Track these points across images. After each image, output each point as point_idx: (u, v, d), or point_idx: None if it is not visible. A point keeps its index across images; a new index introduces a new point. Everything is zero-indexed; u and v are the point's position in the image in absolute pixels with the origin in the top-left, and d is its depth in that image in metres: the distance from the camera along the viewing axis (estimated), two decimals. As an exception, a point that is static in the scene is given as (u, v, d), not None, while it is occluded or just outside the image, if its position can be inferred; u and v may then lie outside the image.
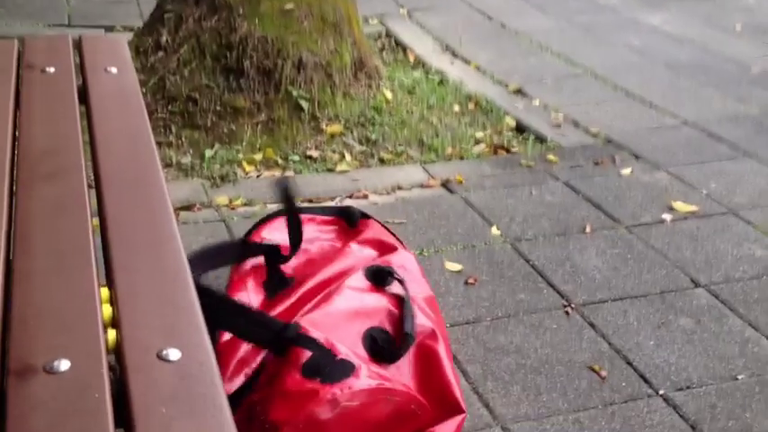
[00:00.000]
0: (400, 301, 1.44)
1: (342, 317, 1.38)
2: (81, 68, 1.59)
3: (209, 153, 2.69)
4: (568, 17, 4.21)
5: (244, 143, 2.77)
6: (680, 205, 2.38)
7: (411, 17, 4.22)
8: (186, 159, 2.65)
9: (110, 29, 3.73)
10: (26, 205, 1.11)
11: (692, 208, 2.36)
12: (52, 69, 1.56)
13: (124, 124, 1.42)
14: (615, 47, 3.79)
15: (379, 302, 1.43)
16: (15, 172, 1.20)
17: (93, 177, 1.20)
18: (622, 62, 3.60)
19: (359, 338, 1.35)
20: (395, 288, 1.47)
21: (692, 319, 1.86)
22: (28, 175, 1.20)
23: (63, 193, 1.16)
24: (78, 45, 1.73)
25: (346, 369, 1.27)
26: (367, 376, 1.27)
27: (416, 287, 1.50)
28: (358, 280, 1.46)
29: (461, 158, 2.76)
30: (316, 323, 1.34)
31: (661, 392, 1.62)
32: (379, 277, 1.47)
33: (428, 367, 1.38)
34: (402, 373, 1.36)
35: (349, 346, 1.32)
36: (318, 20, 2.99)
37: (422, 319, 1.42)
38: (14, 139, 1.29)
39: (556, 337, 1.77)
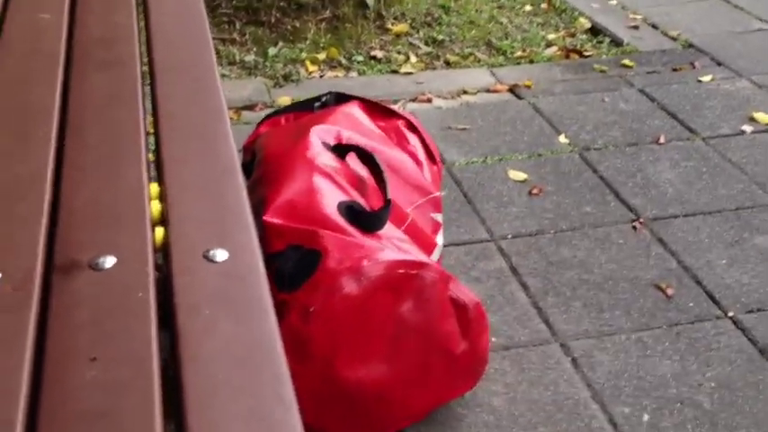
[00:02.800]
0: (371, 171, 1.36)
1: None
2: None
3: (272, 51, 2.63)
4: None
5: (307, 42, 2.69)
6: (762, 116, 2.24)
7: None
8: (249, 57, 2.60)
9: None
10: (79, 95, 1.09)
11: (776, 120, 2.22)
12: (108, -44, 1.50)
13: (180, 13, 1.37)
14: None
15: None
16: (70, 61, 1.17)
17: (147, 69, 1.17)
18: (710, -39, 3.36)
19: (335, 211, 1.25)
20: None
21: (768, 237, 1.77)
22: (82, 64, 1.17)
23: (116, 83, 1.12)
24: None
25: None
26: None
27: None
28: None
29: (531, 62, 2.64)
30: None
31: (730, 314, 1.55)
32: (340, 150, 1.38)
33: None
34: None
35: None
36: None
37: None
38: (70, 27, 1.26)
39: (621, 253, 1.70)
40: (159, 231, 0.82)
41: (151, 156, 0.98)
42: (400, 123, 1.55)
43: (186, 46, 1.21)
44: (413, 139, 1.53)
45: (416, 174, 1.43)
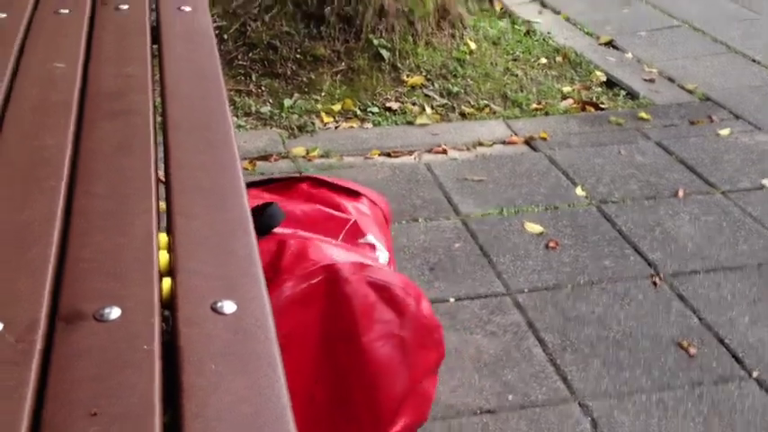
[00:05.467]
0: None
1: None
2: (156, 5, 1.55)
3: (287, 103, 2.64)
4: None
5: (323, 93, 2.70)
6: (783, 171, 2.21)
7: (499, -34, 4.04)
8: (265, 108, 2.61)
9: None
10: (91, 144, 1.08)
11: (797, 174, 2.19)
12: (126, 6, 1.51)
13: (195, 66, 1.37)
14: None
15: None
16: (82, 110, 1.17)
17: (160, 119, 1.16)
18: (723, 13, 3.37)
19: None
20: None
21: (792, 293, 1.72)
22: (95, 113, 1.16)
23: (129, 133, 1.11)
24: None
25: None
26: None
27: None
28: None
29: (547, 114, 2.64)
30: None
31: (755, 375, 1.50)
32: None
33: None
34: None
35: None
36: (401, -30, 2.88)
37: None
38: (84, 77, 1.26)
39: (641, 309, 1.66)
40: (167, 282, 0.80)
41: (163, 205, 0.96)
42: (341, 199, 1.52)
43: (200, 99, 1.20)
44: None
45: (326, 215, 1.40)
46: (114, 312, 0.73)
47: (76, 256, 0.83)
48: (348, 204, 1.44)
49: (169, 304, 0.78)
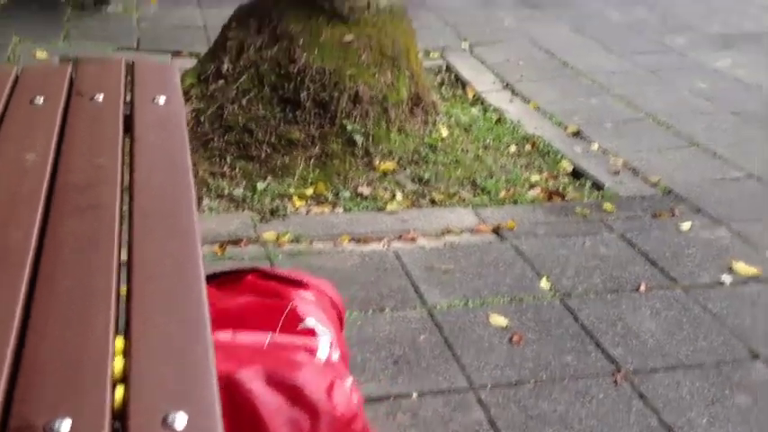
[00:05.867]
0: None
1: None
2: (130, 96, 1.58)
3: (260, 186, 2.67)
4: (632, 57, 4.11)
5: (296, 177, 2.74)
6: (741, 267, 2.26)
7: (472, 51, 4.17)
8: (238, 191, 2.64)
9: (176, 53, 3.77)
10: (55, 239, 1.09)
11: (754, 271, 2.24)
12: (101, 97, 1.54)
13: (165, 157, 1.39)
14: (680, 90, 3.67)
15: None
16: (50, 203, 1.18)
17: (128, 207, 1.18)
18: (687, 107, 3.48)
19: None
20: None
21: (749, 395, 1.74)
22: (62, 206, 1.18)
23: (94, 228, 1.13)
24: (130, 70, 1.73)
25: None
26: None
27: None
28: None
29: (515, 203, 2.69)
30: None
31: (712, 475, 1.51)
32: None
33: None
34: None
35: None
36: (377, 53, 2.96)
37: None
38: (54, 168, 1.28)
39: (603, 408, 1.67)
40: (119, 391, 0.80)
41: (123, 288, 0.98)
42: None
43: (168, 192, 1.22)
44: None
45: (265, 306, 1.41)
46: (65, 425, 0.74)
47: (32, 359, 0.84)
48: (291, 292, 1.46)
49: (121, 414, 0.78)
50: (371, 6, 2.96)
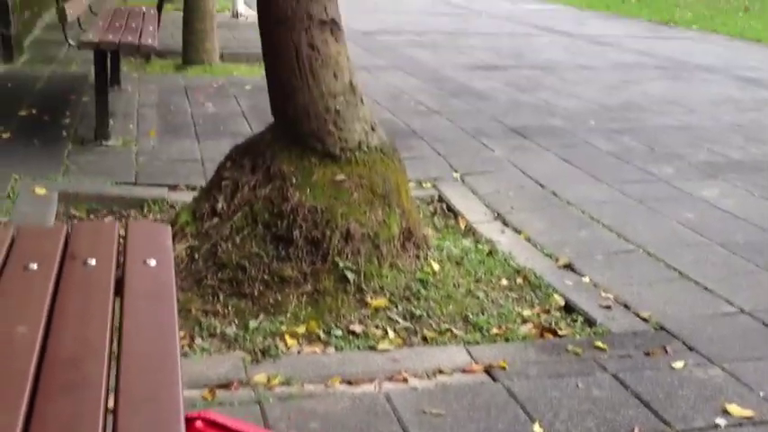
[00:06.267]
0: None
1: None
2: (123, 258, 1.62)
3: (253, 324, 2.68)
4: (621, 186, 4.20)
5: (288, 314, 2.76)
6: (735, 409, 2.24)
7: (464, 181, 4.27)
8: (230, 330, 2.65)
9: (173, 187, 3.85)
10: (42, 421, 1.10)
11: (749, 413, 2.23)
12: (93, 261, 1.58)
13: (153, 320, 1.42)
14: (669, 221, 3.74)
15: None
16: (38, 381, 1.20)
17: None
18: (676, 239, 3.54)
19: None
20: None
21: None
22: (49, 385, 1.19)
23: (80, 409, 1.14)
24: (125, 230, 1.77)
25: None
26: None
27: None
28: None
29: (507, 340, 2.69)
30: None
31: None
32: None
33: None
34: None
35: None
36: (368, 191, 3.03)
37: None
38: (44, 342, 1.29)
39: None
40: None
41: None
42: None
43: (154, 369, 1.23)
44: None
45: None
46: None
47: None
48: None
49: None
50: (362, 146, 3.05)
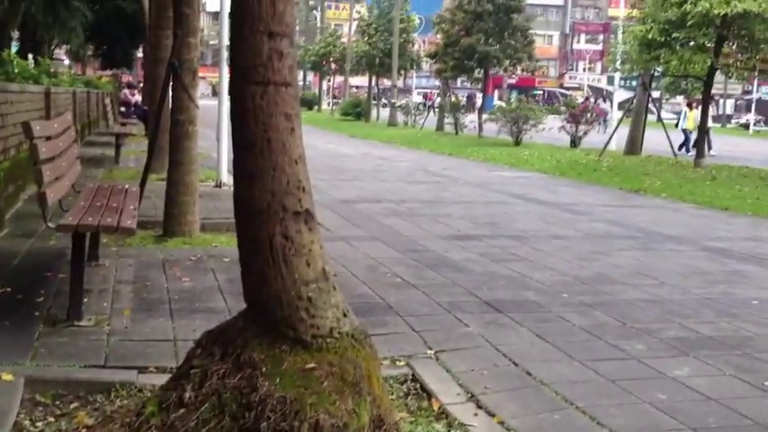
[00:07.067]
0: None
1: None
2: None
3: None
4: (594, 365, 4.19)
5: None
6: None
7: (438, 359, 4.26)
8: None
9: (143, 369, 3.81)
10: None
11: None
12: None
13: None
14: (641, 404, 3.71)
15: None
16: None
17: None
18: (649, 423, 3.50)
19: None
20: None
21: None
22: None
23: None
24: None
25: None
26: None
27: None
28: None
29: None
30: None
31: None
32: None
33: None
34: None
35: None
36: (338, 379, 3.02)
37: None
38: None
39: None
40: None
41: None
42: None
43: None
44: None
45: None
46: None
47: None
48: None
49: None
50: (334, 332, 3.07)
